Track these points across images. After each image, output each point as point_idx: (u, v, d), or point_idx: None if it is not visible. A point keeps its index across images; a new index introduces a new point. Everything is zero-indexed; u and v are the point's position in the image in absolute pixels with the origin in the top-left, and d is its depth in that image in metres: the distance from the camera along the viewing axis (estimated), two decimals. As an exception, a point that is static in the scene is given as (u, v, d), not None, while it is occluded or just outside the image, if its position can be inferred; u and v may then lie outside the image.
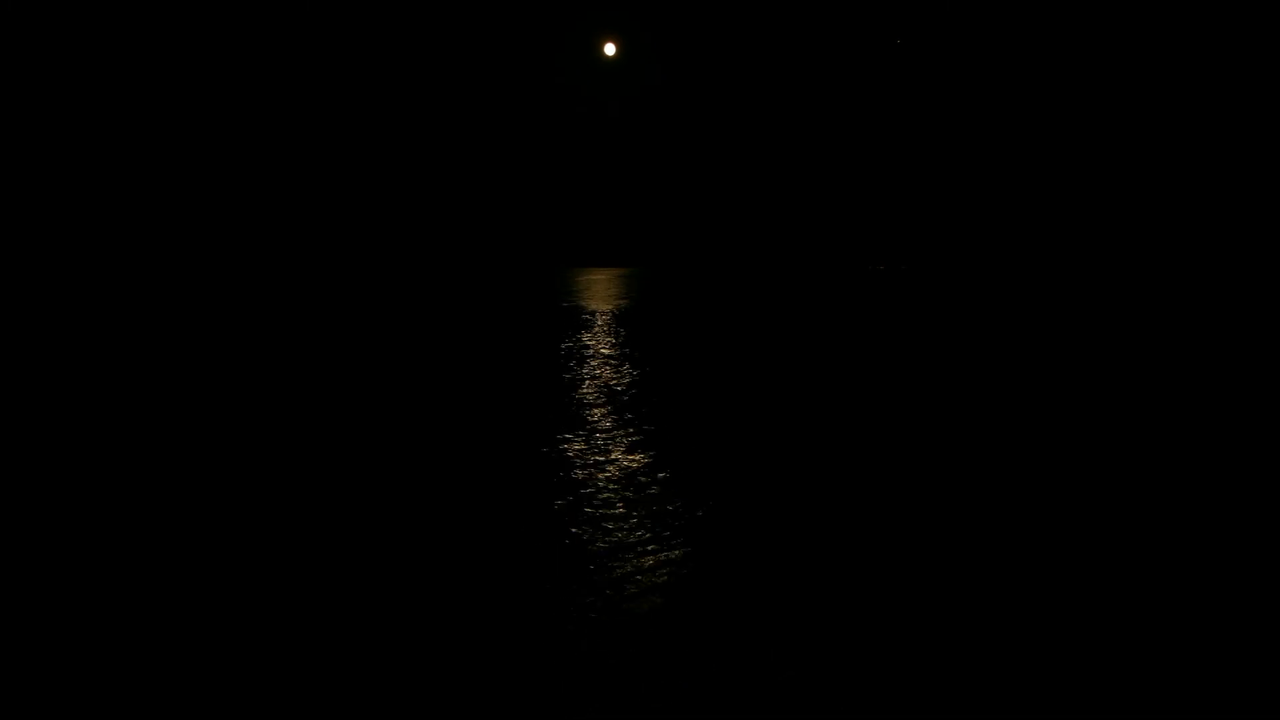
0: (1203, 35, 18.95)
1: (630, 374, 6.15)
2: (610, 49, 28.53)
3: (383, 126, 27.16)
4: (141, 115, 23.06)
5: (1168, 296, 14.30)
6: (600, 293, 16.20)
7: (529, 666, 1.96)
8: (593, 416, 4.66)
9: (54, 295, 12.99)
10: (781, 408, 4.96)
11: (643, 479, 3.47)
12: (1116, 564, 2.57)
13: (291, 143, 25.74)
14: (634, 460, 3.76)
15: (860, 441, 4.13)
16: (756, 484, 3.41)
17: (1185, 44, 19.18)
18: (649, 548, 2.72)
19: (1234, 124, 18.74)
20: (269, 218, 25.58)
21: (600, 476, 3.50)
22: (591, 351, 7.36)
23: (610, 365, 6.58)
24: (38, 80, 21.41)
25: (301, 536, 2.75)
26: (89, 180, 22.26)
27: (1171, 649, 2.05)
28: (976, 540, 2.76)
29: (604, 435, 4.22)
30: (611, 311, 11.73)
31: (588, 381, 5.81)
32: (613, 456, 3.82)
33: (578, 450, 3.92)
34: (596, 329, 9.27)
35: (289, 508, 3.03)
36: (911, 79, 23.77)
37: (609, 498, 3.22)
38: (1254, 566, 2.55)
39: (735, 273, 24.54)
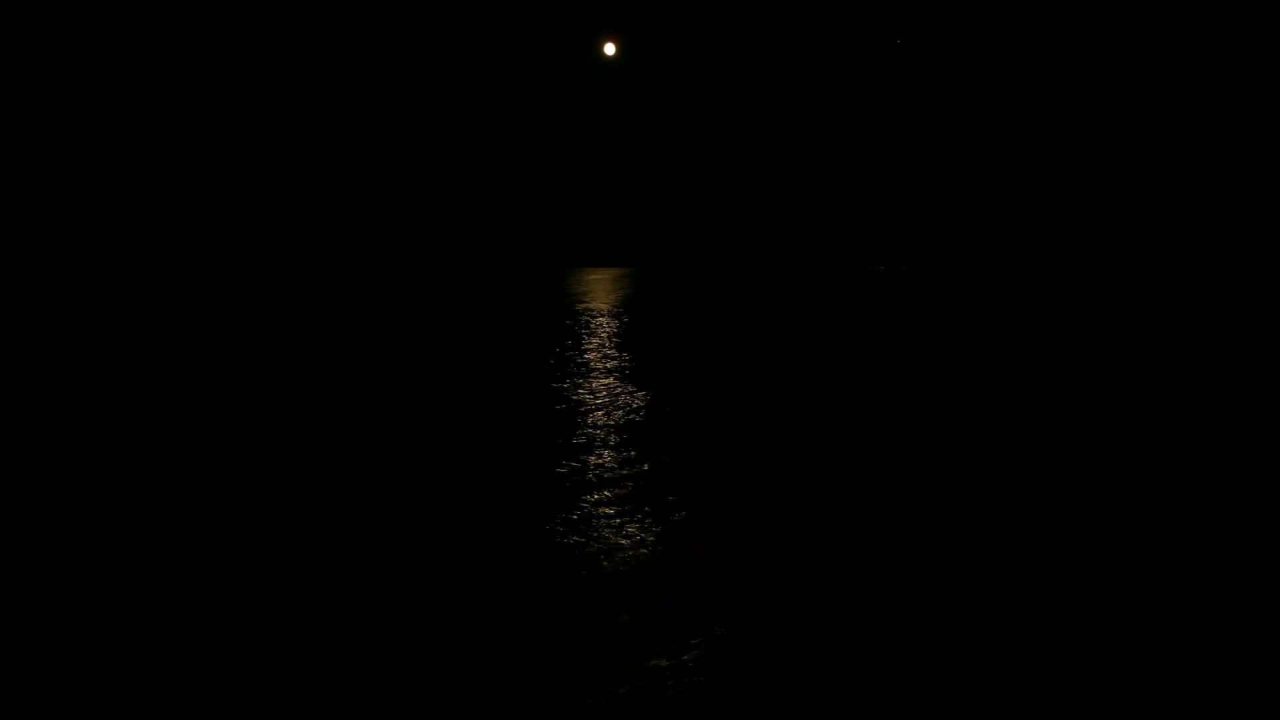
0: (1203, 34, 19.01)
1: (637, 371, 6.27)
2: (610, 49, 28.55)
3: (383, 126, 27.21)
4: (141, 115, 23.12)
5: (1168, 296, 14.38)
6: (604, 293, 16.30)
7: (529, 666, 2.08)
8: (597, 416, 4.79)
9: (54, 295, 13.09)
10: (785, 408, 5.08)
11: (644, 479, 3.59)
12: (1115, 563, 2.69)
13: (291, 143, 25.80)
14: (634, 460, 3.88)
15: (861, 442, 4.25)
16: (757, 485, 3.53)
17: (1186, 43, 19.24)
18: (648, 548, 2.83)
19: (1234, 124, 18.81)
20: (269, 219, 25.65)
21: (601, 477, 3.62)
22: (597, 354, 7.49)
23: (615, 372, 6.71)
24: (38, 80, 21.48)
25: (302, 540, 2.87)
26: (88, 180, 22.34)
27: (1170, 649, 2.16)
28: (975, 540, 2.88)
29: (604, 436, 4.34)
30: (616, 313, 11.85)
31: (590, 387, 5.94)
32: (614, 454, 3.94)
33: (579, 449, 4.04)
34: (604, 331, 9.39)
35: (288, 511, 3.15)
36: (911, 79, 23.82)
37: (608, 498, 3.34)
38: (1253, 566, 2.66)
39: (736, 272, 24.62)
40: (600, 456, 4.09)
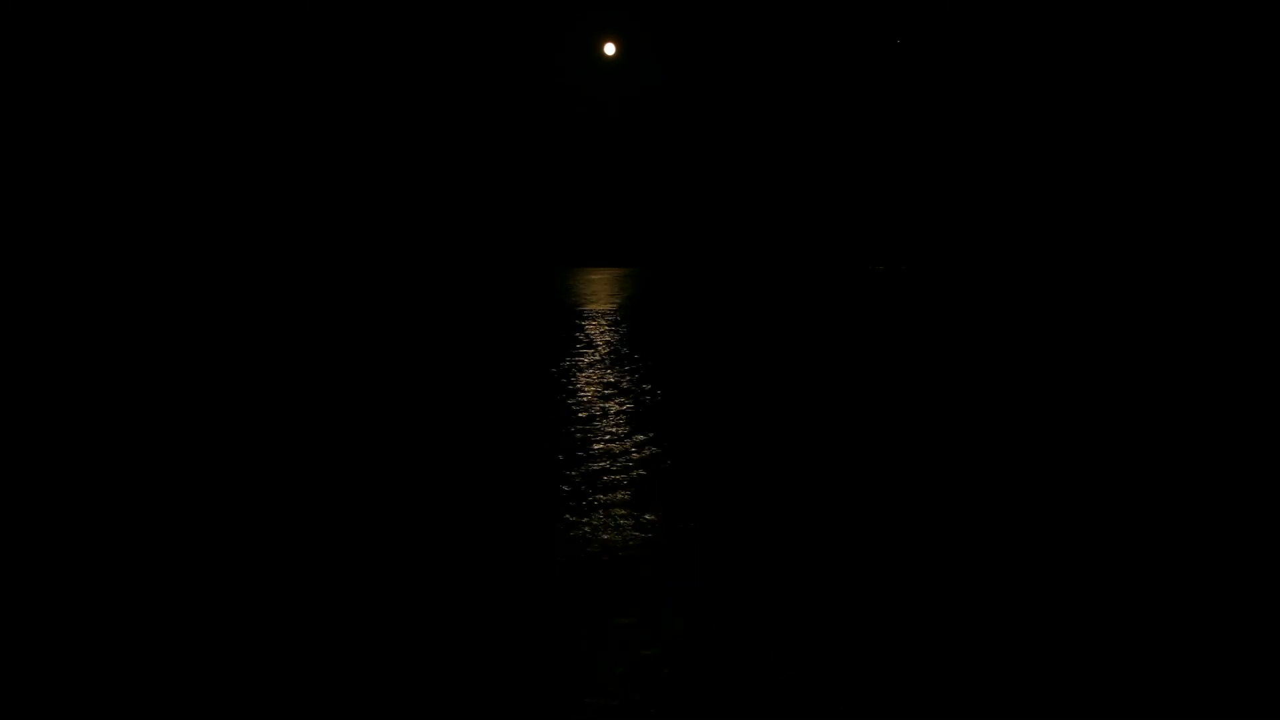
0: (1203, 35, 19.01)
1: (637, 372, 6.28)
2: (610, 49, 28.57)
3: (384, 126, 27.22)
4: (141, 115, 23.14)
5: (1167, 296, 14.38)
6: (605, 294, 16.30)
7: (530, 666, 2.08)
8: (597, 416, 4.78)
9: (54, 295, 13.09)
10: (787, 409, 5.08)
11: (644, 479, 3.59)
12: (1113, 562, 2.69)
13: (292, 143, 25.81)
14: (635, 460, 3.88)
15: (863, 443, 4.25)
16: (759, 485, 3.53)
17: (1185, 43, 19.24)
18: (648, 549, 2.83)
19: (1234, 124, 18.81)
20: (271, 219, 25.66)
21: (601, 478, 3.62)
22: (597, 354, 7.49)
23: (616, 372, 6.71)
24: (37, 80, 21.49)
25: (302, 543, 2.87)
26: (88, 180, 22.35)
27: (1170, 649, 2.16)
28: (975, 539, 2.88)
29: (604, 436, 4.34)
30: (617, 313, 11.86)
31: (593, 386, 5.94)
32: (614, 454, 3.94)
33: (579, 449, 4.03)
34: (605, 332, 9.40)
35: (289, 512, 3.15)
36: (911, 79, 23.83)
37: (609, 499, 3.34)
38: (1254, 566, 2.66)
39: (735, 272, 24.65)
40: (600, 457, 4.09)
